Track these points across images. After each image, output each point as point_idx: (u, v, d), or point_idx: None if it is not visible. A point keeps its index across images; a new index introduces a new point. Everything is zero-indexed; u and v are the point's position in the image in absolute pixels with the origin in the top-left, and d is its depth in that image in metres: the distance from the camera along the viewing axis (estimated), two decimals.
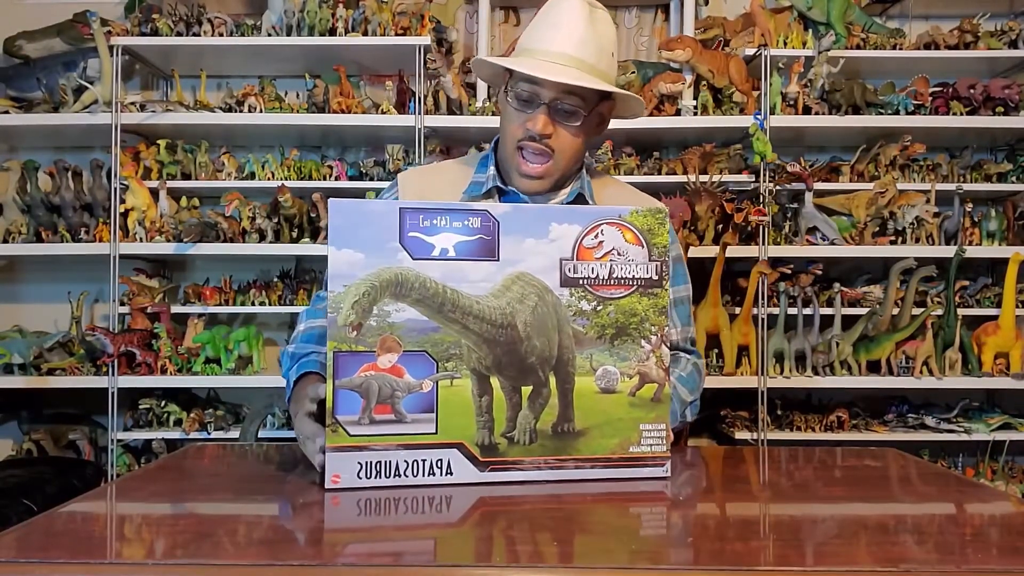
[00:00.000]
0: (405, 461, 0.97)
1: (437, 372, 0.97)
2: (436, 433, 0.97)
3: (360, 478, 0.95)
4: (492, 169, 1.40)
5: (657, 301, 1.00)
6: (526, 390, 0.99)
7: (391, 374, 0.96)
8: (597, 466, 1.00)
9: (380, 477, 0.96)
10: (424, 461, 0.97)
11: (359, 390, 0.95)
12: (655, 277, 1.01)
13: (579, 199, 1.41)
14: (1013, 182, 2.84)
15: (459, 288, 0.97)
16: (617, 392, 1.00)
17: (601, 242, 1.00)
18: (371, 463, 0.95)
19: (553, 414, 0.99)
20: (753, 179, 2.77)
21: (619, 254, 1.00)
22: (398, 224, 0.96)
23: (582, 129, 1.32)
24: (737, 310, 2.71)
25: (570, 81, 1.22)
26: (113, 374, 2.69)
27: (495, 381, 0.99)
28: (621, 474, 1.00)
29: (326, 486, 0.94)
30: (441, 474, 0.97)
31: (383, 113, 2.73)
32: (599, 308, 1.00)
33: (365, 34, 2.72)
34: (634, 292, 1.00)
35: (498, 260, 0.98)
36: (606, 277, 1.00)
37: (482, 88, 2.86)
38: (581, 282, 0.99)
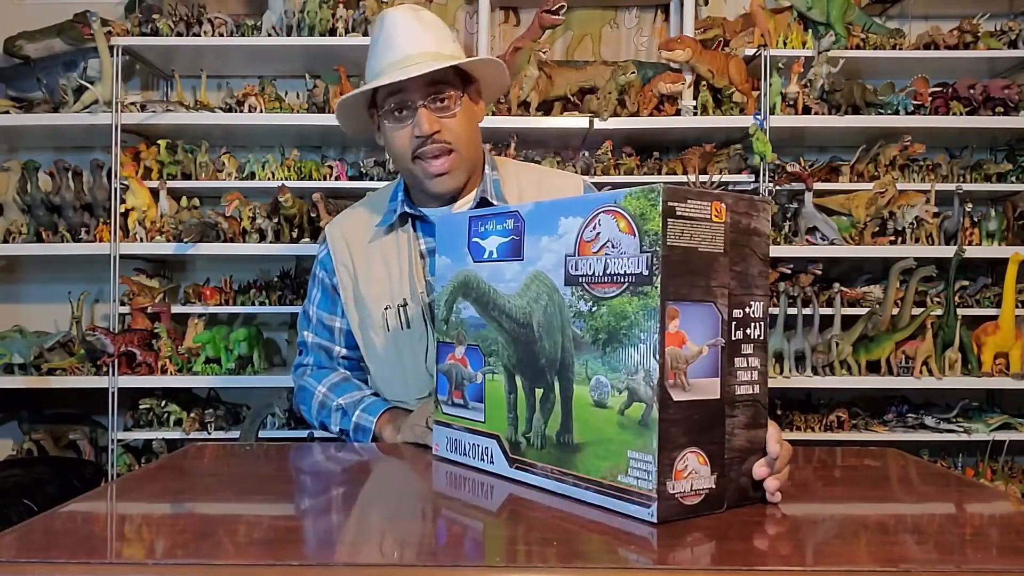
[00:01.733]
0: (469, 443, 1.07)
1: (484, 366, 1.04)
2: (484, 422, 1.04)
3: (447, 451, 1.11)
4: (400, 194, 1.44)
5: (647, 302, 0.81)
6: (539, 392, 0.96)
7: (460, 364, 1.08)
8: (590, 488, 0.88)
9: (456, 453, 1.09)
10: (478, 446, 1.05)
11: (447, 375, 1.11)
12: (644, 272, 0.81)
13: (483, 203, 1.40)
14: (1013, 182, 2.84)
15: (498, 288, 1.01)
16: (607, 407, 0.86)
17: (598, 233, 0.87)
18: (452, 439, 1.10)
19: (557, 422, 0.94)
20: (753, 179, 2.77)
21: (613, 246, 0.85)
22: (467, 231, 1.06)
23: (464, 115, 1.34)
24: None
25: (423, 71, 1.25)
26: (113, 374, 2.69)
27: (518, 380, 0.99)
28: (609, 504, 0.86)
29: (434, 452, 1.14)
30: (487, 461, 1.03)
31: None
32: (595, 309, 0.88)
33: (365, 34, 2.72)
34: (624, 291, 0.84)
35: (523, 259, 0.97)
36: (601, 273, 0.87)
37: None
38: (580, 280, 0.90)
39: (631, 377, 0.83)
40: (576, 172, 2.82)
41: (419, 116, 1.29)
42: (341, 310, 1.51)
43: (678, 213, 0.80)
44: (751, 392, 0.87)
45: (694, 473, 0.82)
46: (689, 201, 0.81)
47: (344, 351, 1.54)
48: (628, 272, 0.83)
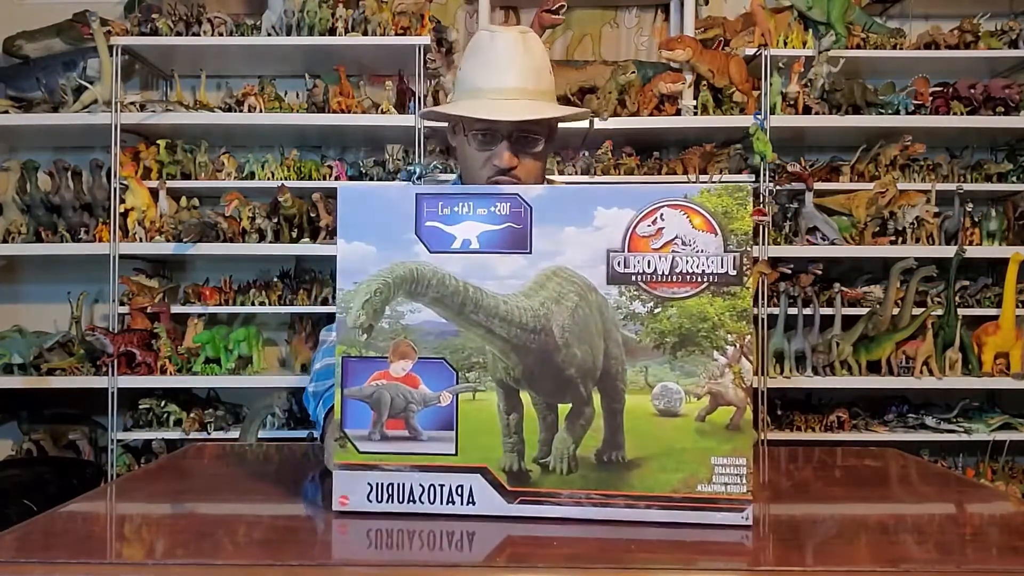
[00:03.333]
0: (420, 485, 0.85)
1: (457, 383, 0.85)
2: (456, 455, 0.85)
3: (370, 501, 0.85)
4: None
5: (735, 302, 0.79)
6: (564, 408, 0.84)
7: (405, 384, 0.85)
8: (654, 506, 0.80)
9: (392, 502, 0.85)
10: (443, 486, 0.85)
11: (369, 401, 0.86)
12: (732, 272, 0.79)
13: None
14: (1013, 182, 2.84)
15: (483, 286, 0.84)
16: (681, 415, 0.80)
17: (660, 229, 0.81)
18: (383, 485, 0.85)
19: (597, 439, 0.82)
20: (753, 179, 2.77)
21: (684, 243, 0.80)
22: (414, 212, 0.86)
23: (543, 153, 1.35)
24: None
25: (526, 116, 1.26)
26: (113, 374, 2.68)
27: (525, 396, 0.84)
28: (685, 518, 0.79)
29: (333, 507, 0.86)
30: (462, 503, 0.84)
31: (383, 113, 2.73)
32: (657, 311, 0.81)
33: (365, 34, 2.72)
34: (704, 291, 0.79)
35: (530, 252, 0.84)
36: (667, 272, 0.81)
37: None
38: (634, 278, 0.81)
39: (716, 381, 0.80)
40: (576, 172, 2.82)
41: (502, 150, 1.29)
42: None
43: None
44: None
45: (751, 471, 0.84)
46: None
47: None
48: (709, 271, 0.80)
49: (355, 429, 0.86)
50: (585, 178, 2.77)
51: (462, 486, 0.84)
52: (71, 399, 2.91)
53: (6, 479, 2.43)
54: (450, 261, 0.85)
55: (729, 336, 0.79)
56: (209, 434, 2.69)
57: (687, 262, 0.80)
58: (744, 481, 0.79)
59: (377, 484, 0.85)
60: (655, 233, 0.81)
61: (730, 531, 0.78)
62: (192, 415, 2.73)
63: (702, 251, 0.80)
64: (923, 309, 2.69)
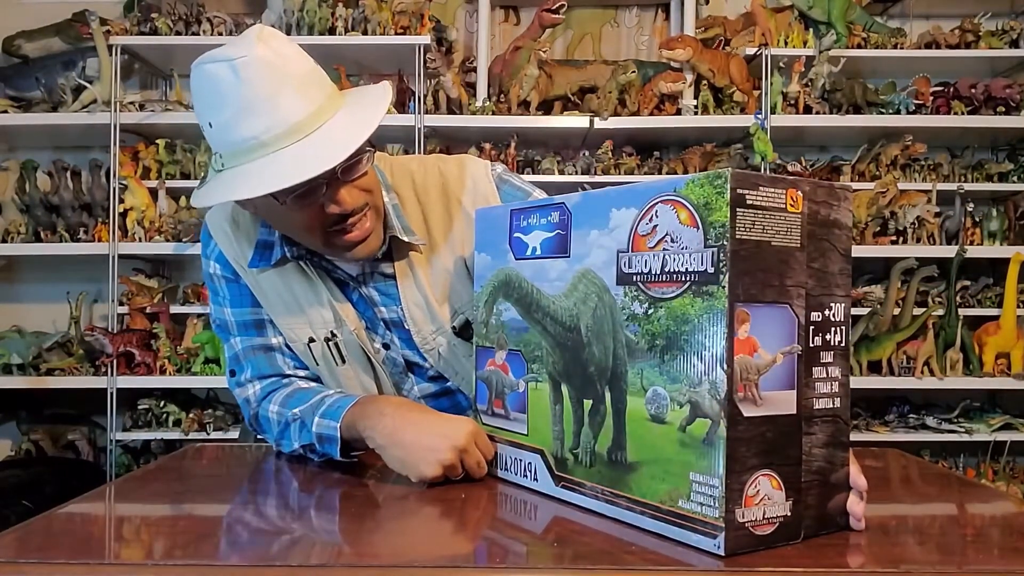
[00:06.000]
0: (511, 457, 0.98)
1: (527, 373, 0.95)
2: (527, 435, 0.95)
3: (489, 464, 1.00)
4: (278, 234, 1.13)
5: (712, 303, 0.70)
6: (587, 404, 0.86)
7: (501, 371, 0.99)
8: (646, 513, 0.77)
9: (499, 468, 1.00)
10: (521, 461, 0.96)
11: (486, 382, 1.02)
12: (710, 270, 0.70)
13: (394, 242, 1.15)
14: (1014, 182, 2.84)
15: (542, 288, 0.91)
16: (666, 423, 0.75)
17: (655, 226, 0.77)
18: (496, 453, 1.00)
19: (609, 437, 0.82)
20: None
21: (672, 240, 0.74)
22: (508, 225, 0.97)
23: (370, 166, 1.08)
24: None
25: (346, 154, 0.98)
26: (112, 374, 2.68)
27: (565, 389, 0.89)
28: (669, 532, 0.75)
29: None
30: (530, 478, 0.94)
31: None
32: (650, 311, 0.77)
33: (365, 33, 2.72)
34: (686, 291, 0.73)
35: (569, 256, 0.88)
36: (658, 271, 0.76)
37: (482, 88, 2.86)
38: (635, 279, 0.78)
39: (694, 389, 0.72)
40: (576, 172, 2.82)
41: (338, 193, 1.01)
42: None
43: (748, 202, 0.70)
44: (831, 406, 0.76)
45: (767, 499, 0.71)
46: (761, 188, 0.70)
47: (282, 340, 1.19)
48: (690, 270, 0.72)
49: (481, 404, 1.04)
50: (585, 178, 2.77)
51: (531, 463, 0.94)
52: (70, 399, 2.91)
53: (5, 479, 2.43)
54: (525, 266, 0.95)
55: (707, 341, 0.71)
56: (208, 434, 2.69)
57: (674, 260, 0.74)
58: (716, 504, 0.69)
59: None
60: (651, 231, 0.77)
61: (701, 556, 0.71)
62: (191, 415, 2.72)
63: (686, 248, 0.73)
64: (924, 309, 2.69)
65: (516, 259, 0.96)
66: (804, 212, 0.73)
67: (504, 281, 0.97)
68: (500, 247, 0.99)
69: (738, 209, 0.69)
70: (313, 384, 1.20)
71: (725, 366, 0.69)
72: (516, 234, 0.96)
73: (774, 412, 0.72)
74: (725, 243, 0.69)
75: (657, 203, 0.76)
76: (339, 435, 1.03)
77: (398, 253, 1.16)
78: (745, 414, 0.70)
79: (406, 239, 1.14)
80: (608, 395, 0.83)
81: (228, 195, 0.99)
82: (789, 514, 0.73)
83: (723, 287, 0.69)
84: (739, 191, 0.69)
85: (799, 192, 0.73)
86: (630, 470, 0.79)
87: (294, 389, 1.17)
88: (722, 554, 0.69)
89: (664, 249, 0.75)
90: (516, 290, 0.95)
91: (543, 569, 0.71)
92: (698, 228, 0.72)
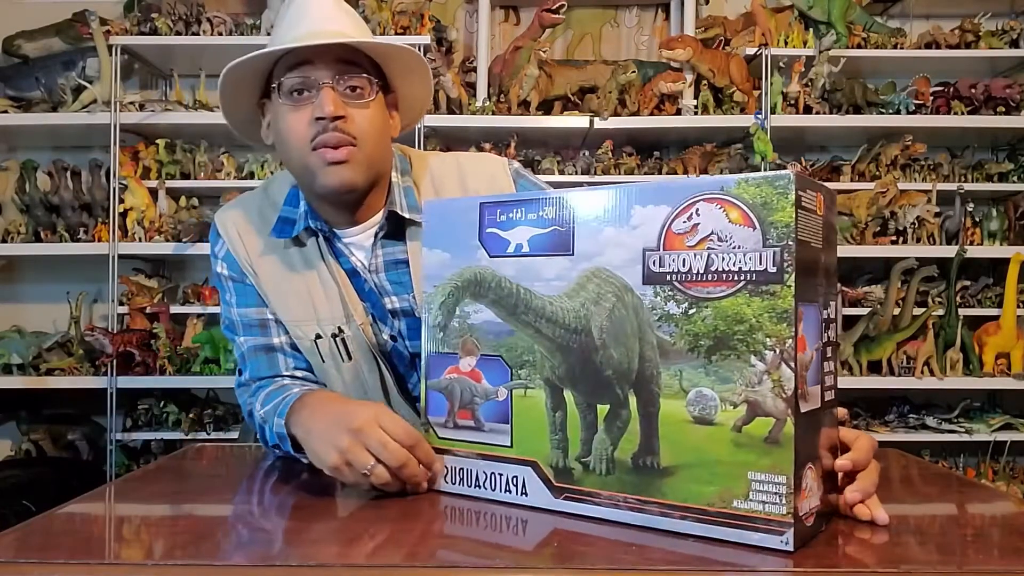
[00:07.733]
0: (484, 472, 0.91)
1: (511, 380, 0.89)
2: (511, 447, 0.89)
3: (446, 482, 0.94)
4: (303, 204, 1.19)
5: (775, 302, 0.71)
6: (602, 409, 0.83)
7: (470, 378, 0.92)
8: (688, 518, 0.76)
9: (463, 485, 0.93)
10: (501, 476, 0.90)
11: (444, 392, 0.94)
12: (772, 269, 0.71)
13: (392, 218, 1.19)
14: (1014, 182, 2.84)
15: (532, 288, 0.86)
16: (715, 424, 0.75)
17: (696, 225, 0.76)
18: (455, 469, 0.93)
19: (634, 442, 0.80)
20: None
21: (720, 239, 0.74)
22: (478, 220, 0.91)
23: (376, 111, 1.13)
24: None
25: (340, 39, 1.07)
26: (112, 374, 2.68)
27: (569, 395, 0.85)
28: (720, 534, 0.74)
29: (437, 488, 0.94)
30: (516, 493, 0.88)
31: None
32: (691, 312, 0.76)
33: None
34: (741, 290, 0.73)
35: (572, 254, 0.84)
36: (701, 271, 0.76)
37: (482, 88, 2.86)
38: (669, 278, 0.78)
39: (752, 389, 0.73)
40: (576, 172, 2.82)
41: (322, 95, 1.07)
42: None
43: (803, 204, 0.71)
44: (832, 397, 0.82)
45: (810, 491, 0.74)
46: (808, 191, 0.73)
47: (286, 339, 1.23)
48: (746, 269, 0.73)
49: (435, 416, 0.95)
50: (585, 178, 2.77)
51: (517, 477, 0.89)
52: (70, 399, 2.91)
53: (5, 479, 2.43)
54: (505, 265, 0.89)
55: (768, 340, 0.72)
56: (208, 435, 2.69)
57: (723, 259, 0.74)
58: (784, 501, 0.71)
59: (451, 468, 0.94)
60: (690, 230, 0.76)
61: (765, 555, 0.71)
62: (191, 415, 2.72)
63: (739, 247, 0.73)
64: (924, 309, 2.69)
65: (491, 256, 0.90)
66: (824, 215, 0.76)
67: (472, 280, 0.91)
68: (465, 243, 0.92)
69: (799, 211, 0.71)
70: (290, 383, 1.20)
71: (793, 364, 0.71)
72: (491, 229, 0.90)
73: (814, 407, 0.75)
74: (790, 243, 0.70)
75: (698, 201, 0.76)
76: (286, 432, 1.05)
77: (411, 236, 1.19)
78: (802, 410, 0.73)
79: (407, 215, 1.18)
80: (634, 399, 0.80)
81: (246, 58, 1.10)
82: (820, 503, 0.76)
83: (789, 286, 0.71)
84: (800, 193, 0.71)
85: (821, 196, 0.76)
86: (664, 475, 0.78)
87: (272, 389, 1.17)
88: (791, 550, 0.70)
89: (709, 248, 0.75)
90: (492, 290, 0.89)
91: (544, 568, 0.71)
92: (755, 228, 0.72)
